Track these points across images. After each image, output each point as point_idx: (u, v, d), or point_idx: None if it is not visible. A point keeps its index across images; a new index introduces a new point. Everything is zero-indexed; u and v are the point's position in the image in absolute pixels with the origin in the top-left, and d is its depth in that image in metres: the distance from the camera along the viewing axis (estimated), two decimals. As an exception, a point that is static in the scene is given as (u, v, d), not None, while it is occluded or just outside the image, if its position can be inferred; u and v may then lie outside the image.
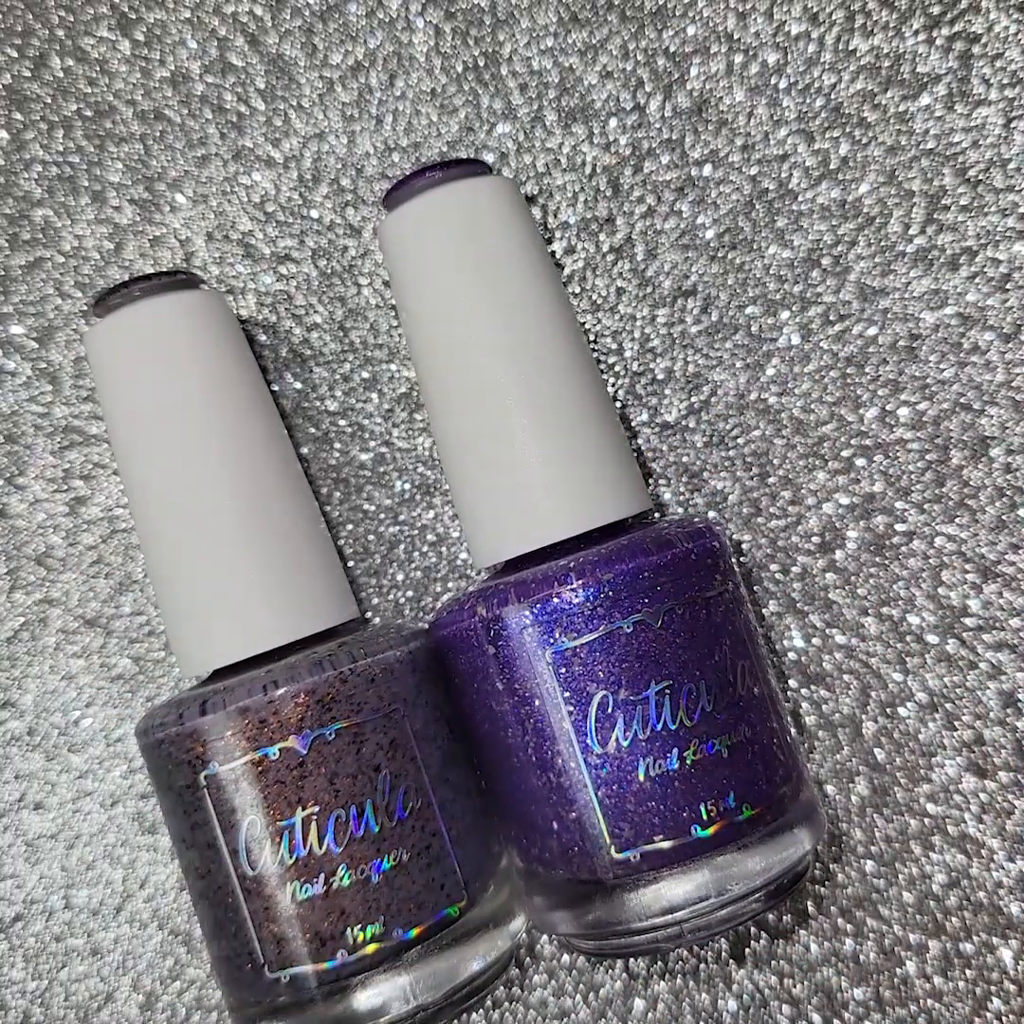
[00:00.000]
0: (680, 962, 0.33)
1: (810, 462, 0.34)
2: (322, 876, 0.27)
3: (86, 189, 0.35)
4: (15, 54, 0.36)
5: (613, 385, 0.35)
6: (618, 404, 0.35)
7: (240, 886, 0.27)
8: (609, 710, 0.28)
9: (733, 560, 0.31)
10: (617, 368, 0.35)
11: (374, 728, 0.28)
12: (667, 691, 0.28)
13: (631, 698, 0.28)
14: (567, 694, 0.28)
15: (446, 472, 0.31)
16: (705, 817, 0.28)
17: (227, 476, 0.29)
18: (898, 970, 0.33)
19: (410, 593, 0.35)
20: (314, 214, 0.35)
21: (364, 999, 0.27)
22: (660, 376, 0.35)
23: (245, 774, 0.27)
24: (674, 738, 0.28)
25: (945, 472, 0.33)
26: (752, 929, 0.33)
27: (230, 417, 0.30)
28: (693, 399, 0.35)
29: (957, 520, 0.33)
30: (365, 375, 0.35)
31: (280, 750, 0.27)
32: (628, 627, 0.28)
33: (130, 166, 0.35)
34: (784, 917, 0.33)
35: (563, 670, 0.28)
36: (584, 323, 0.35)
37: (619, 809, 0.28)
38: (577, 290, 0.35)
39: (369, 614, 0.35)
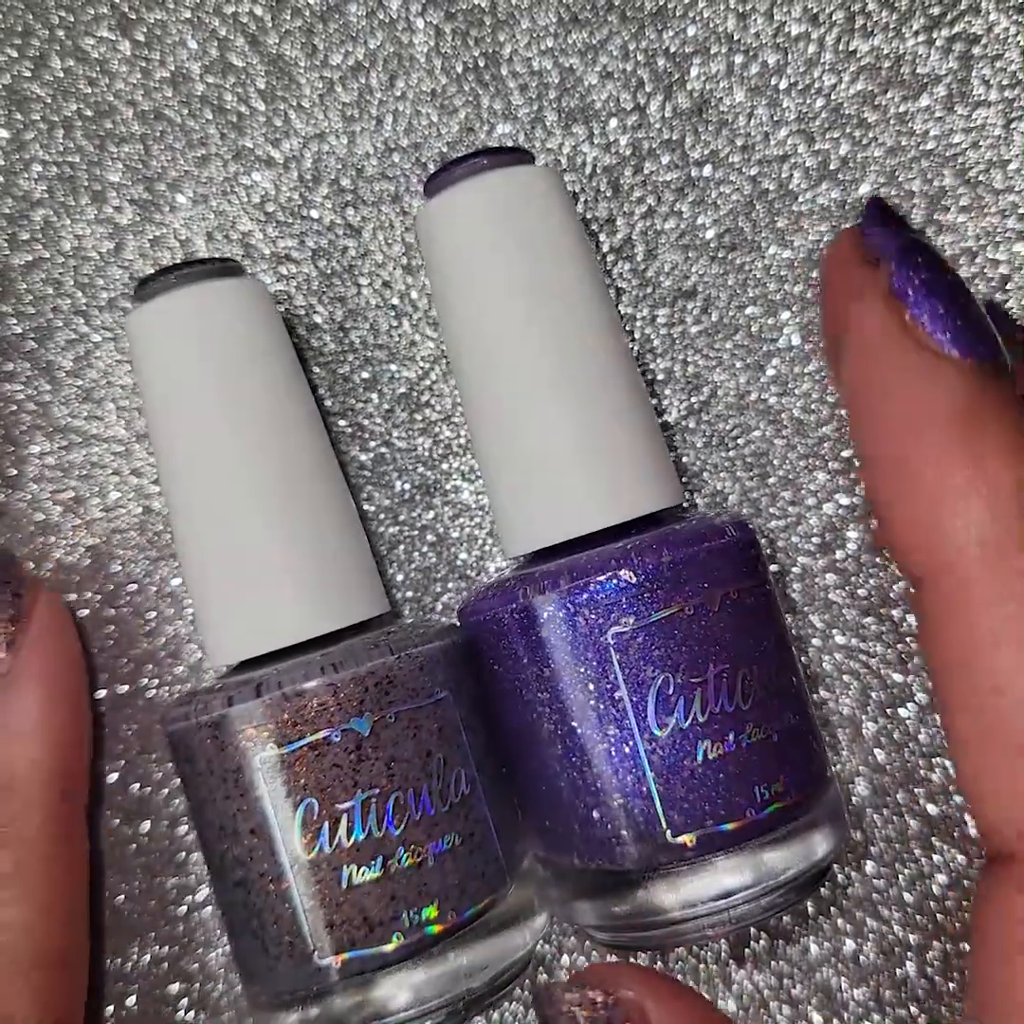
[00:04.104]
0: (680, 962, 0.33)
1: (810, 462, 0.34)
2: (380, 859, 0.27)
3: (86, 189, 0.35)
4: (15, 54, 0.36)
5: (613, 385, 0.35)
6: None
7: (291, 871, 0.27)
8: (669, 693, 0.27)
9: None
10: (617, 368, 0.35)
11: (427, 714, 0.28)
12: (725, 675, 0.28)
13: (691, 681, 0.28)
14: (625, 679, 0.28)
15: (479, 460, 0.31)
16: (759, 800, 0.28)
17: (265, 465, 0.29)
18: (898, 970, 0.33)
19: (410, 593, 0.35)
20: (314, 214, 0.35)
21: (414, 983, 0.27)
22: (660, 376, 0.35)
23: (302, 757, 0.27)
24: (732, 721, 0.28)
25: (945, 472, 0.33)
26: (752, 929, 0.33)
27: (269, 406, 0.30)
28: (693, 399, 0.35)
29: (957, 520, 0.33)
30: (365, 375, 0.35)
31: (341, 732, 0.27)
32: (690, 610, 0.28)
33: (130, 166, 0.35)
34: (784, 917, 0.33)
35: (619, 655, 0.28)
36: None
37: (674, 794, 0.27)
38: (577, 290, 0.35)
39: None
